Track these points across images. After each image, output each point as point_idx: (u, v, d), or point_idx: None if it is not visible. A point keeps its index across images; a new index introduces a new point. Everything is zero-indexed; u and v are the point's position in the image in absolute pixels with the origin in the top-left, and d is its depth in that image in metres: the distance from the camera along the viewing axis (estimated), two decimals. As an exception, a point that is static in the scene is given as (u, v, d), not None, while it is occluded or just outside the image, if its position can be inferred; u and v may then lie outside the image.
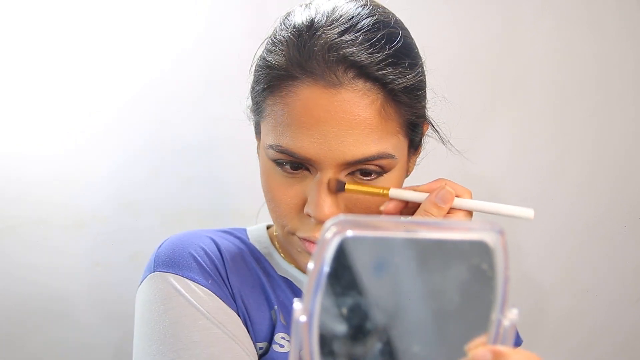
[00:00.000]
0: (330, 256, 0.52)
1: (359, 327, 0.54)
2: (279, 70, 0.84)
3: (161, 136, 1.43)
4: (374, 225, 0.52)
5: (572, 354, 1.67)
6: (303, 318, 0.52)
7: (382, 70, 0.82)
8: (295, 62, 0.83)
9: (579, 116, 1.64)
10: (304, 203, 0.86)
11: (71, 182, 1.38)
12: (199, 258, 0.92)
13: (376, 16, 0.85)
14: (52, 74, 1.35)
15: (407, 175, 0.97)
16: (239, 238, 1.02)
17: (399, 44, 0.84)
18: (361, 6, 0.86)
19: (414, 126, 0.89)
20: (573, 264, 1.67)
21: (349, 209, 0.86)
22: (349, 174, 0.85)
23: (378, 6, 0.89)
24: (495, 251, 0.53)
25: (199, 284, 0.89)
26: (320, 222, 0.84)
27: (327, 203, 0.83)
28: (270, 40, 0.90)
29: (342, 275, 0.53)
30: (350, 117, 0.81)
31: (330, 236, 0.52)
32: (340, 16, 0.84)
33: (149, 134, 1.42)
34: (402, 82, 0.83)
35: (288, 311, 0.94)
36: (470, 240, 0.53)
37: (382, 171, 0.85)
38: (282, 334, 0.91)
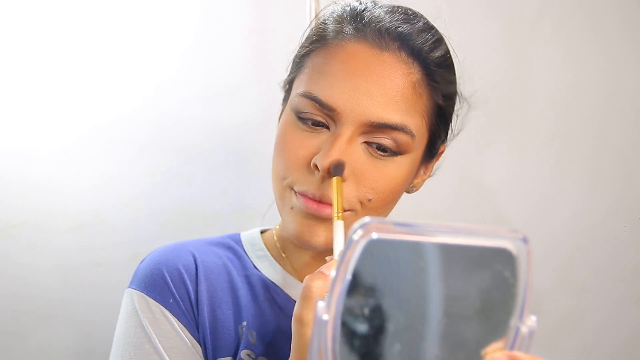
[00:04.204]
0: (356, 257, 0.53)
1: (380, 327, 0.55)
2: (334, 25, 0.91)
3: (161, 136, 1.43)
4: (400, 228, 0.53)
5: (572, 354, 1.67)
6: (325, 317, 0.53)
7: (422, 43, 0.89)
8: (351, 22, 0.90)
9: (579, 116, 1.65)
10: (313, 157, 0.86)
11: (72, 182, 1.37)
12: (168, 279, 0.94)
13: (411, 10, 0.94)
14: (53, 74, 1.35)
15: (412, 190, 0.99)
16: (229, 248, 1.03)
17: (436, 31, 0.93)
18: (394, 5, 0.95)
19: (438, 125, 0.93)
20: (573, 264, 1.67)
21: (355, 176, 0.86)
22: (365, 142, 0.87)
23: None
24: (518, 259, 0.53)
25: (160, 304, 0.92)
26: (324, 171, 0.84)
27: (339, 154, 0.84)
28: (322, 17, 0.96)
29: (366, 276, 0.54)
30: (387, 79, 0.85)
31: (357, 238, 0.52)
32: (384, 4, 0.94)
33: (149, 134, 1.42)
34: (436, 55, 0.90)
35: (260, 325, 0.94)
36: (494, 247, 0.53)
37: (398, 151, 0.87)
38: (247, 351, 0.92)
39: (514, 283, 0.54)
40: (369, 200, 0.88)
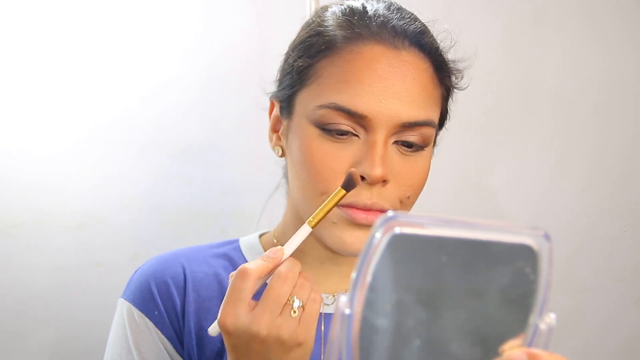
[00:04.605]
0: (379, 251, 0.53)
1: (400, 322, 0.55)
2: (342, 31, 0.88)
3: (161, 136, 1.42)
4: (422, 223, 0.53)
5: (572, 354, 1.66)
6: (347, 311, 0.53)
7: (429, 38, 0.91)
8: (362, 24, 0.88)
9: (579, 116, 1.65)
10: (349, 168, 0.84)
11: (71, 182, 1.36)
12: (155, 291, 0.96)
13: (399, 5, 0.95)
14: (53, 75, 1.34)
15: None
16: (224, 255, 1.02)
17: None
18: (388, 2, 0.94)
19: (446, 111, 0.96)
20: (573, 264, 1.67)
21: (394, 177, 0.86)
22: (394, 142, 0.86)
23: None
24: (539, 255, 0.53)
25: (145, 316, 0.95)
26: (375, 181, 0.83)
27: (383, 162, 0.84)
28: (315, 23, 0.93)
29: (388, 270, 0.54)
30: (410, 78, 0.86)
31: (380, 233, 0.53)
32: (385, 1, 0.93)
33: (149, 134, 1.41)
34: (439, 46, 0.93)
35: None
36: (516, 243, 0.53)
37: (423, 144, 0.88)
38: None
39: (534, 280, 0.54)
40: (408, 197, 0.88)
